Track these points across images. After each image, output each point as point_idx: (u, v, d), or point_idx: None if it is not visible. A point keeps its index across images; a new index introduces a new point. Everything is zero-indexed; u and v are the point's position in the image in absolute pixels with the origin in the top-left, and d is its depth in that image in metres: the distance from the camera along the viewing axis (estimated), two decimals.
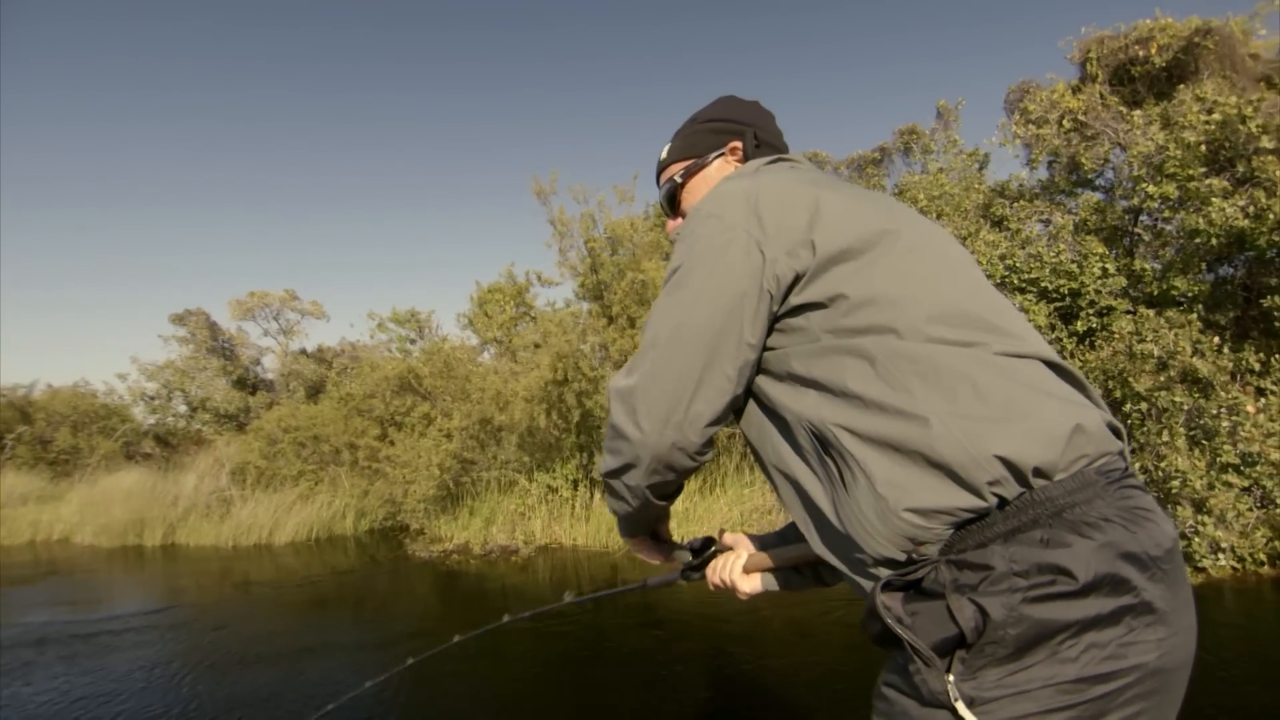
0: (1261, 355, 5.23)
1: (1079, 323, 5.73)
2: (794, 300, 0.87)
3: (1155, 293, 5.77)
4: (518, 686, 3.66)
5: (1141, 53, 6.97)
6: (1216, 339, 5.17)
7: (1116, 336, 5.30)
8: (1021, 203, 6.66)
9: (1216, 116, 5.53)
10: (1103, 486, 0.75)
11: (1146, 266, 5.91)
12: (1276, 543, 4.73)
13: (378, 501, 9.02)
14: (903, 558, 0.77)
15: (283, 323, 15.84)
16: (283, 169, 40.88)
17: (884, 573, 0.78)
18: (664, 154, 1.23)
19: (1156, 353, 5.00)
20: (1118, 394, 5.09)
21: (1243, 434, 4.72)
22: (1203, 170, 5.57)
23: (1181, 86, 6.25)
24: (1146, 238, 6.16)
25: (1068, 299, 5.78)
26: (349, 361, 13.87)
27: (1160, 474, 4.76)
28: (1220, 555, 4.66)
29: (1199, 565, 4.65)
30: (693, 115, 1.23)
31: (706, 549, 1.23)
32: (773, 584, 1.17)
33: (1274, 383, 5.11)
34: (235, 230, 36.91)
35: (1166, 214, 6.01)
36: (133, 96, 40.16)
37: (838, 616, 4.38)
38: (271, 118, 42.64)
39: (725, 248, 0.88)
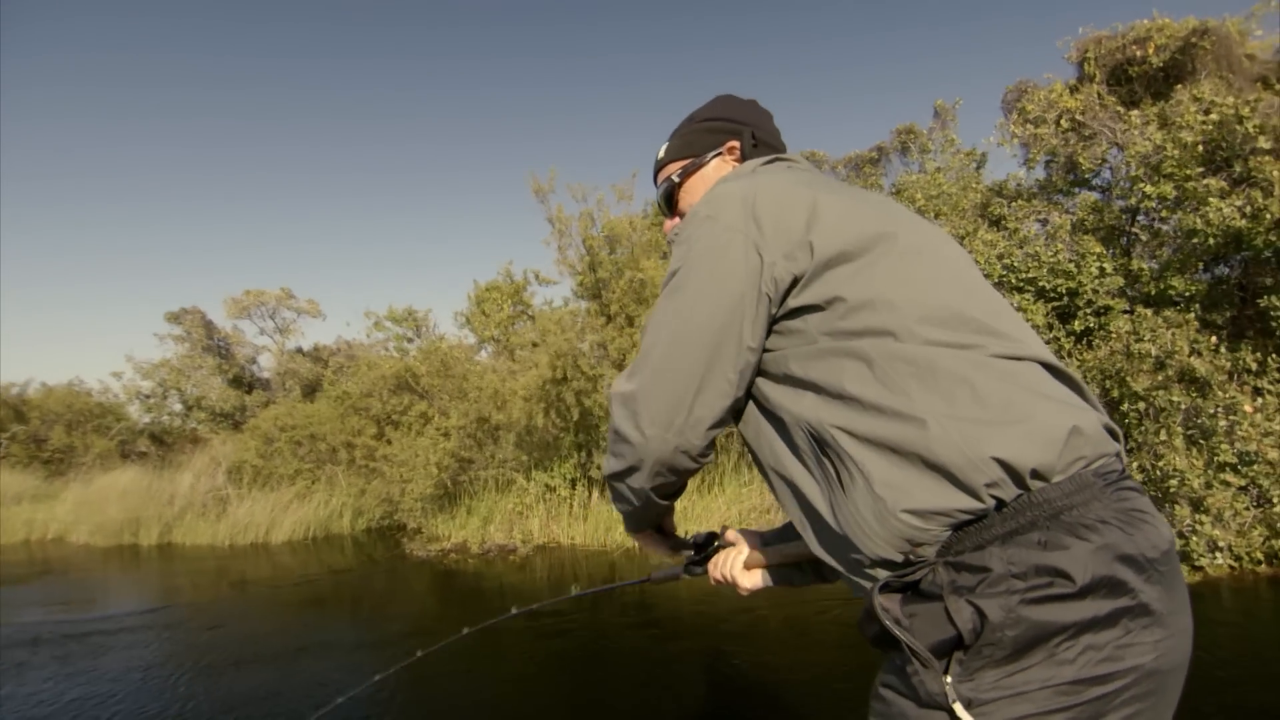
0: (1258, 355, 5.25)
1: (1076, 322, 5.74)
2: (792, 303, 0.87)
3: (1152, 292, 5.78)
4: (516, 685, 3.66)
5: (1139, 53, 6.98)
6: (1214, 339, 5.19)
7: (1114, 336, 5.32)
8: (1019, 202, 6.66)
9: (1214, 117, 5.54)
10: (1100, 489, 0.75)
11: (1144, 266, 5.92)
12: (1273, 541, 4.75)
13: (375, 500, 9.01)
14: (900, 559, 0.76)
15: (279, 321, 15.82)
16: (280, 166, 40.84)
17: (881, 574, 0.78)
18: (661, 153, 1.23)
19: (1154, 352, 5.01)
20: (1115, 393, 5.10)
21: (1240, 433, 4.74)
22: (1200, 170, 5.59)
23: (1179, 87, 6.26)
24: (1144, 237, 6.18)
25: (1065, 298, 5.80)
26: (345, 360, 13.86)
27: (1158, 473, 4.77)
28: (1218, 554, 4.67)
29: (1196, 564, 4.66)
30: (690, 114, 1.22)
31: (709, 544, 1.24)
32: (774, 580, 1.17)
33: (1270, 382, 5.13)
34: (231, 228, 36.87)
35: (1164, 214, 6.02)
36: (131, 94, 40.08)
37: (835, 615, 4.39)
38: (269, 114, 42.58)
39: (723, 251, 0.88)
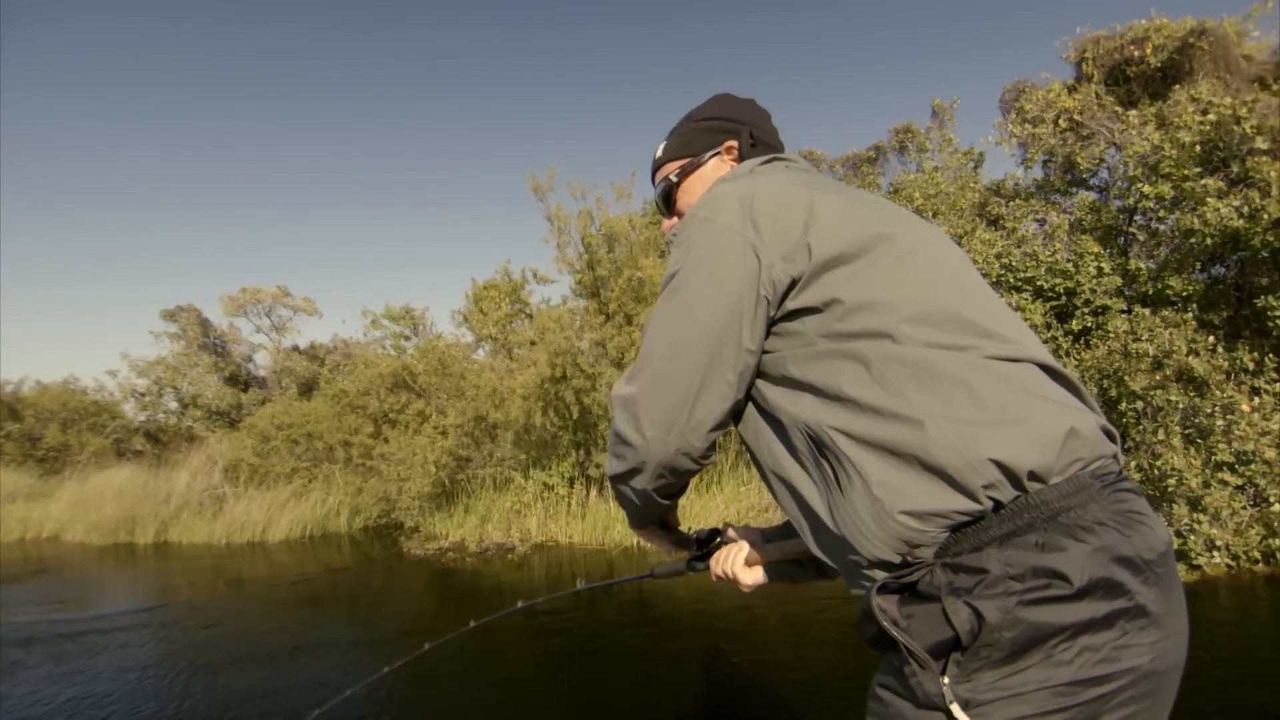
0: (1255, 355, 5.27)
1: (1074, 322, 5.76)
2: (790, 305, 0.87)
3: (1150, 292, 5.79)
4: (515, 683, 3.65)
5: (1137, 53, 6.99)
6: (1212, 338, 5.20)
7: (1112, 335, 5.33)
8: (1017, 202, 6.67)
9: (1211, 117, 5.55)
10: (1097, 490, 0.75)
11: (1141, 266, 5.93)
12: (1270, 540, 4.77)
13: (372, 499, 9.00)
14: (898, 560, 0.77)
15: (275, 319, 15.79)
16: (277, 164, 40.76)
17: (879, 575, 0.78)
18: (659, 152, 1.22)
19: (1152, 352, 5.02)
20: (1113, 393, 5.11)
21: (1237, 432, 4.75)
22: (1197, 170, 5.60)
23: (1176, 87, 6.26)
24: (1141, 237, 6.19)
25: (1063, 298, 5.81)
26: (341, 359, 13.84)
27: (1156, 472, 4.78)
28: (1215, 553, 4.69)
29: (1194, 563, 4.68)
30: (688, 113, 1.22)
31: (711, 541, 1.25)
32: (775, 577, 1.19)
33: (1268, 381, 5.15)
34: (228, 226, 36.79)
35: (1161, 214, 6.03)
36: (130, 93, 39.96)
37: (834, 614, 4.39)
38: (268, 113, 42.49)
39: (722, 253, 0.88)
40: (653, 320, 0.92)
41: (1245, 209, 5.35)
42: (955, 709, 0.70)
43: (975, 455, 0.73)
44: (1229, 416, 4.80)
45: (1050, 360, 0.84)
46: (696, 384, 0.88)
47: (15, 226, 32.06)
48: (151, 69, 41.53)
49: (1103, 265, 5.71)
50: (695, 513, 7.03)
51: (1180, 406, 4.88)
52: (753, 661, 3.75)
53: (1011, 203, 6.69)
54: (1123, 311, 5.68)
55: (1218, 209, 5.33)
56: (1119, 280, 5.79)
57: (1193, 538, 4.66)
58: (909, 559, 0.76)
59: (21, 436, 14.00)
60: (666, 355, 0.89)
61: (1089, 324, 5.72)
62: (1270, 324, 5.29)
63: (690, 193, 1.17)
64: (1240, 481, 4.75)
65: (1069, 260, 5.75)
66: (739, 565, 1.19)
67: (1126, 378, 5.00)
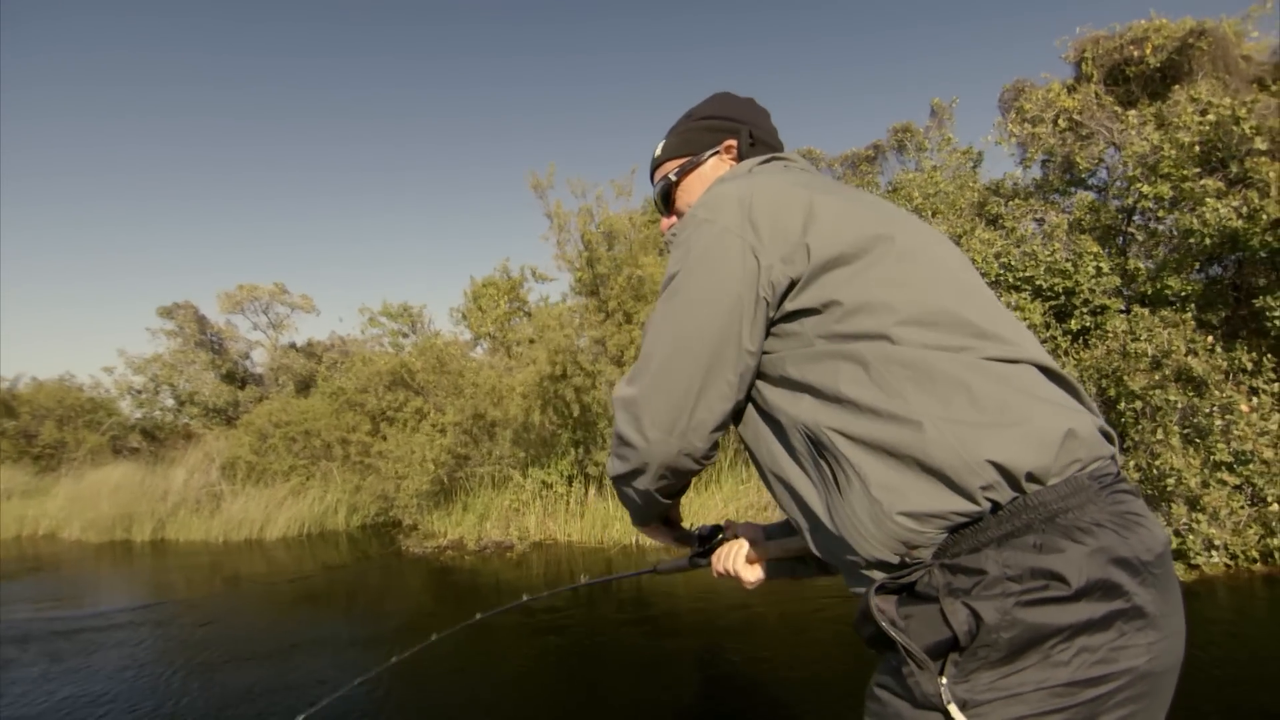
0: (1253, 355, 5.28)
1: (1073, 321, 5.76)
2: (789, 306, 0.87)
3: (1149, 292, 5.80)
4: (512, 681, 3.65)
5: (1136, 53, 6.99)
6: (1210, 338, 5.21)
7: (1111, 335, 5.34)
8: (1016, 201, 6.67)
9: (1210, 117, 5.55)
10: (1095, 491, 0.75)
11: (1140, 266, 5.94)
12: (1268, 540, 4.78)
13: (370, 497, 9.00)
14: (896, 561, 0.77)
15: (272, 316, 15.77)
16: (275, 163, 40.70)
17: (877, 575, 0.78)
18: (658, 151, 1.22)
19: (1150, 351, 5.03)
20: (1112, 392, 5.11)
21: (1236, 432, 4.76)
22: (1196, 170, 5.60)
23: (1176, 87, 6.27)
24: (1140, 237, 6.19)
25: (1062, 297, 5.81)
26: (339, 356, 13.83)
27: (1155, 472, 4.79)
28: (1213, 552, 4.70)
29: (1193, 562, 4.69)
30: (687, 112, 1.22)
31: (714, 537, 1.26)
32: (776, 573, 1.19)
33: (1266, 382, 5.16)
34: (225, 223, 36.72)
35: (1160, 214, 6.04)
36: (129, 93, 39.90)
37: (832, 613, 4.39)
38: (266, 112, 42.40)
39: (721, 254, 0.88)
40: (653, 322, 0.92)
41: (1244, 209, 5.36)
42: (953, 709, 0.70)
43: (973, 456, 0.73)
44: (1227, 416, 4.81)
45: (1048, 361, 0.84)
46: (697, 385, 0.88)
47: (13, 225, 32.00)
48: (150, 68, 41.53)
49: (1101, 265, 5.72)
50: (695, 510, 7.03)
51: (1179, 406, 4.89)
52: (751, 660, 3.75)
53: (1010, 202, 6.69)
54: (1121, 311, 5.69)
55: (1216, 209, 5.34)
56: (1118, 280, 5.79)
57: (1191, 537, 4.67)
58: (907, 560, 0.76)
59: (17, 433, 13.97)
60: (667, 357, 0.89)
61: (1088, 324, 5.72)
62: (1268, 324, 5.30)
63: (689, 192, 1.17)
64: (1238, 481, 4.76)
65: (1068, 260, 5.76)
66: (740, 562, 1.19)
67: (1125, 377, 5.00)
